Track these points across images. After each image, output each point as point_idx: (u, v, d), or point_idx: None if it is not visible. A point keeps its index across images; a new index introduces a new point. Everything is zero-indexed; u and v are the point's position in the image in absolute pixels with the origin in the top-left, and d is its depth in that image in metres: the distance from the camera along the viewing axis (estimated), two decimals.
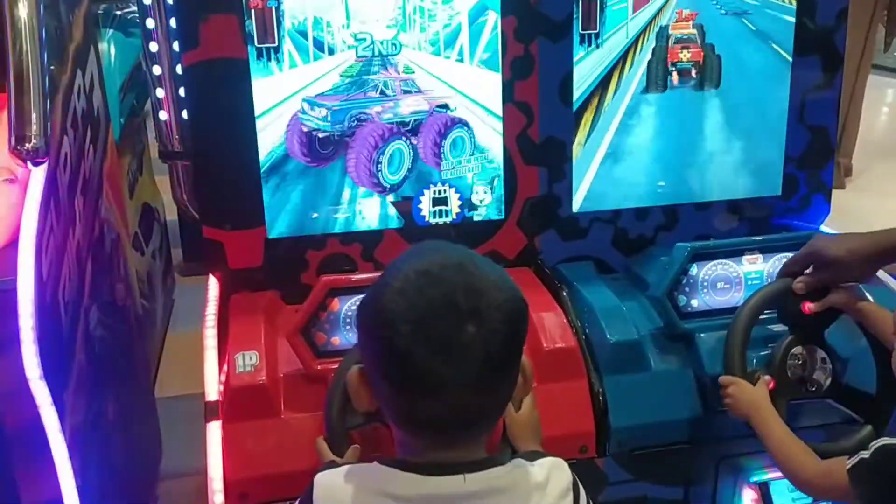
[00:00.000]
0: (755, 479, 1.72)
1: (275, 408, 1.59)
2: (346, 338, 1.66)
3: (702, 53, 1.96)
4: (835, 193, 2.14)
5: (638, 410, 1.69)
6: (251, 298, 1.82)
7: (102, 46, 2.73)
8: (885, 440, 1.34)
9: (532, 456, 1.13)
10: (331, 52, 1.78)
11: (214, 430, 1.56)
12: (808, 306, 1.60)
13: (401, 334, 0.97)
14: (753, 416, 1.54)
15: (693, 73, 1.97)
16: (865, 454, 1.33)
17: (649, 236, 2.04)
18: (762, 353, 1.64)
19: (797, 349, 1.62)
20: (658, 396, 1.71)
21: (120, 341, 2.22)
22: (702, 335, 1.74)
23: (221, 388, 1.61)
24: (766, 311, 1.65)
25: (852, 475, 1.34)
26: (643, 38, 1.94)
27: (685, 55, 1.95)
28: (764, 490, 1.71)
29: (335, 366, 1.52)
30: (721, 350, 1.63)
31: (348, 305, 1.66)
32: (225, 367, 1.63)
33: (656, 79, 1.95)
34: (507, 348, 1.01)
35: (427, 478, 1.01)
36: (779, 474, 1.71)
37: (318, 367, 1.61)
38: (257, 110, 1.77)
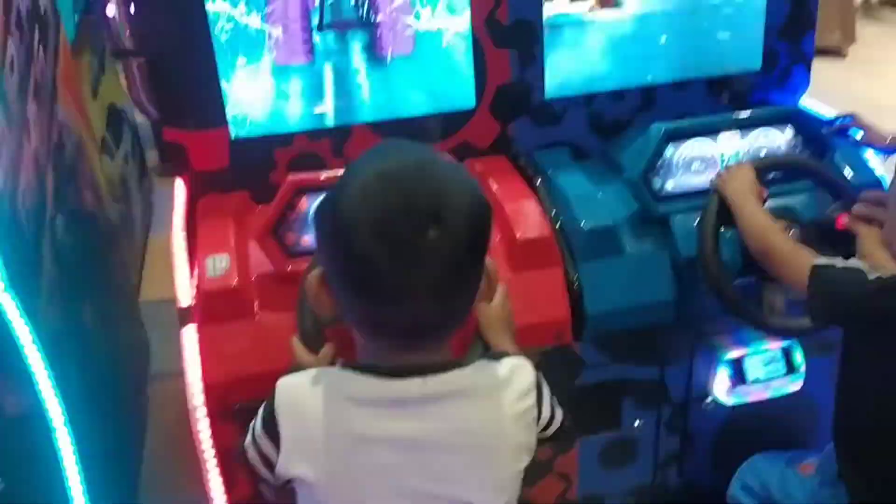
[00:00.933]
0: (729, 356, 1.74)
1: (248, 310, 1.58)
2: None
3: None
4: None
5: (613, 295, 1.69)
6: (220, 200, 1.78)
7: None
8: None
9: (497, 356, 1.13)
10: None
11: (190, 335, 1.56)
12: (843, 220, 1.54)
13: (360, 239, 0.94)
14: (732, 194, 1.60)
15: None
16: (839, 262, 1.35)
17: (626, 119, 1.99)
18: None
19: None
20: (633, 280, 1.71)
21: (92, 248, 2.20)
22: (677, 217, 1.72)
23: (194, 292, 1.60)
24: None
25: (813, 273, 1.36)
26: None
27: None
28: (738, 366, 1.74)
29: (306, 265, 1.51)
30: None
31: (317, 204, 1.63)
32: (196, 272, 1.61)
33: None
34: (470, 253, 0.98)
35: (388, 381, 1.01)
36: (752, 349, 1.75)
37: (290, 268, 1.59)
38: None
